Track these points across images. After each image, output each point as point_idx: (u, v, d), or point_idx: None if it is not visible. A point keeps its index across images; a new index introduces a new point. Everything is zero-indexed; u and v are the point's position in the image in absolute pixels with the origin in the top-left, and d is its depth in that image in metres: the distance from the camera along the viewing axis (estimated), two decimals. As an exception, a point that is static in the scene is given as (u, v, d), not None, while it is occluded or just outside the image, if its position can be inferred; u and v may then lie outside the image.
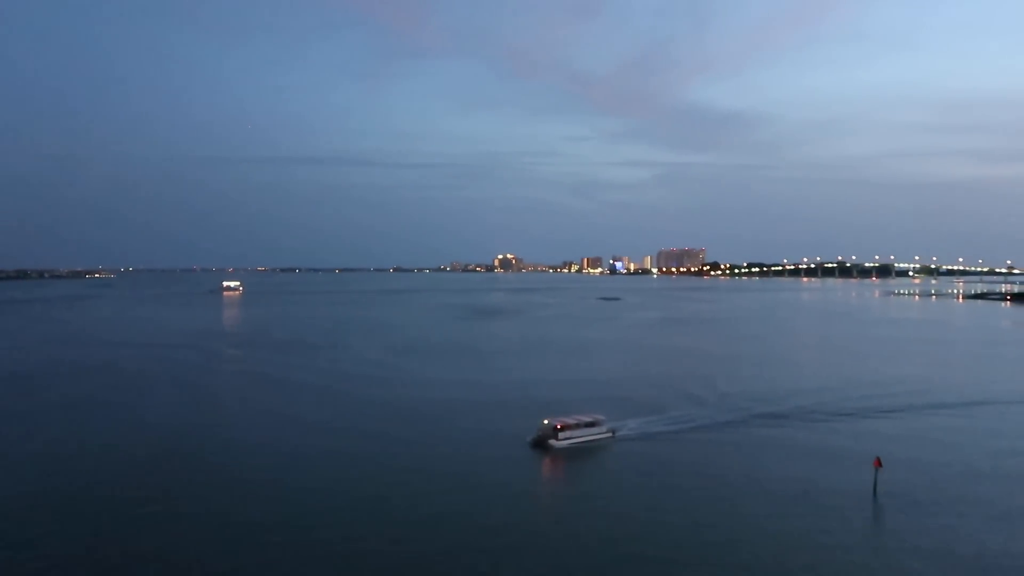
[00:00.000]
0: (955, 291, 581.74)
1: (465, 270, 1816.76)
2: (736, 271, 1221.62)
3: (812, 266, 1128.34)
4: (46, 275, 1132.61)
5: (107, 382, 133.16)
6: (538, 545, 56.24)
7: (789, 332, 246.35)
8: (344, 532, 58.38)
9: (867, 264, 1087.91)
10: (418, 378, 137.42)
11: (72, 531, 58.79)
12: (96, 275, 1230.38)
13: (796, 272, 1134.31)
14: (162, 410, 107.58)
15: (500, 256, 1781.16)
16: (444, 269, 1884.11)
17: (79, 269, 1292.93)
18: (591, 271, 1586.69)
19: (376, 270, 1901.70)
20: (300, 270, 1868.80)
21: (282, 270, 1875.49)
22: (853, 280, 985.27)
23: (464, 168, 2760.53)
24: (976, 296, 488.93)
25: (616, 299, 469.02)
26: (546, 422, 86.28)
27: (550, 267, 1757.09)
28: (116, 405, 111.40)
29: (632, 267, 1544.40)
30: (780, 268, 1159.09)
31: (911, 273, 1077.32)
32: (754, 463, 79.00)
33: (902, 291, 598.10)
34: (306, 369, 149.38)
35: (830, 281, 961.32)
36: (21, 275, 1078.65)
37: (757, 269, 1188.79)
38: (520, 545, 56.18)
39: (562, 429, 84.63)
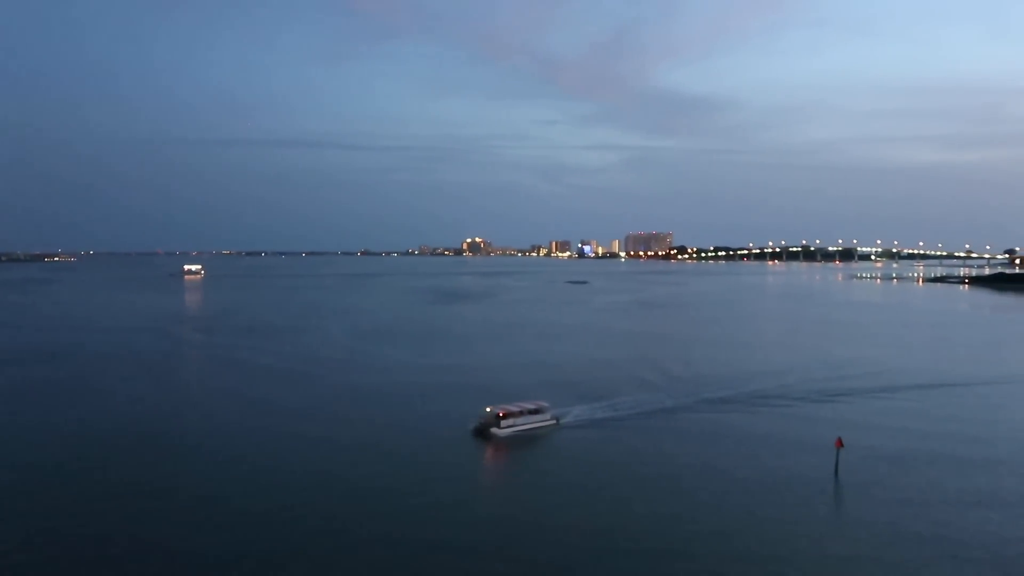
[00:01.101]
0: (915, 275, 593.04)
1: (433, 254, 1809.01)
2: (703, 255, 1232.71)
3: (777, 250, 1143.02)
4: (2, 258, 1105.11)
5: (69, 366, 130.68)
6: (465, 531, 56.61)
7: (753, 315, 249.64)
8: (295, 506, 58.26)
9: (831, 248, 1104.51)
10: (382, 362, 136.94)
11: (38, 511, 57.65)
12: (55, 259, 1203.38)
13: (762, 256, 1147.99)
14: (127, 394, 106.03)
15: (469, 240, 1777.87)
16: (412, 253, 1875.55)
17: (37, 252, 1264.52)
18: (559, 255, 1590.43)
19: (343, 254, 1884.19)
20: (266, 253, 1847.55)
21: (247, 253, 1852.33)
22: (817, 264, 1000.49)
23: (433, 151, 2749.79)
24: (936, 279, 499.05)
25: (584, 283, 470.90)
26: (488, 409, 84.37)
27: (519, 251, 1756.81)
28: (79, 389, 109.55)
29: (600, 251, 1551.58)
30: (746, 252, 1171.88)
31: (873, 257, 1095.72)
32: (709, 447, 79.60)
33: (864, 274, 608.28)
34: (271, 353, 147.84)
35: (795, 265, 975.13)
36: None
37: (723, 253, 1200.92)
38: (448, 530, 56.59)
39: (504, 417, 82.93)
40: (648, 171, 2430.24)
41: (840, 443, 72.76)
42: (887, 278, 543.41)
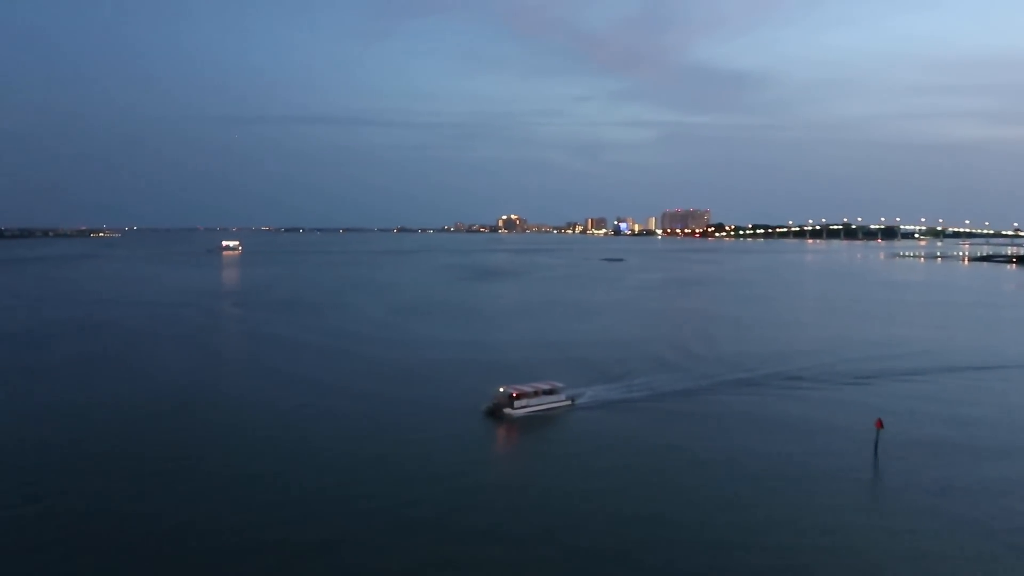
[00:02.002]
0: (961, 253, 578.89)
1: (469, 231, 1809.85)
2: (741, 232, 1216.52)
3: (817, 228, 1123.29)
4: (50, 234, 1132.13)
5: (112, 340, 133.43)
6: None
7: (791, 294, 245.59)
8: (325, 484, 58.74)
9: (872, 226, 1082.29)
10: (413, 338, 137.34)
11: (78, 483, 59.02)
12: (101, 234, 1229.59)
13: (801, 234, 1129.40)
14: (166, 368, 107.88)
15: (504, 217, 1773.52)
16: (448, 229, 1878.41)
17: (84, 228, 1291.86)
18: (595, 232, 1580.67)
19: (380, 230, 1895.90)
20: (304, 230, 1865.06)
21: (286, 230, 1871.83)
22: (858, 242, 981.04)
23: (468, 128, 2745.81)
24: (982, 259, 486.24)
25: (619, 260, 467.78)
26: (501, 390, 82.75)
27: (554, 228, 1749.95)
28: (121, 362, 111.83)
29: (636, 228, 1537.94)
30: (785, 230, 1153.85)
31: (917, 235, 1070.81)
32: (738, 429, 77.87)
33: (907, 253, 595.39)
34: (307, 328, 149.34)
35: (835, 243, 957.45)
36: (26, 234, 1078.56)
37: (762, 231, 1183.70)
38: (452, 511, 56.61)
39: (518, 397, 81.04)
40: (685, 147, 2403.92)
41: (880, 424, 71.32)
42: (931, 257, 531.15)
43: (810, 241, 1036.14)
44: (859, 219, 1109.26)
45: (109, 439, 72.38)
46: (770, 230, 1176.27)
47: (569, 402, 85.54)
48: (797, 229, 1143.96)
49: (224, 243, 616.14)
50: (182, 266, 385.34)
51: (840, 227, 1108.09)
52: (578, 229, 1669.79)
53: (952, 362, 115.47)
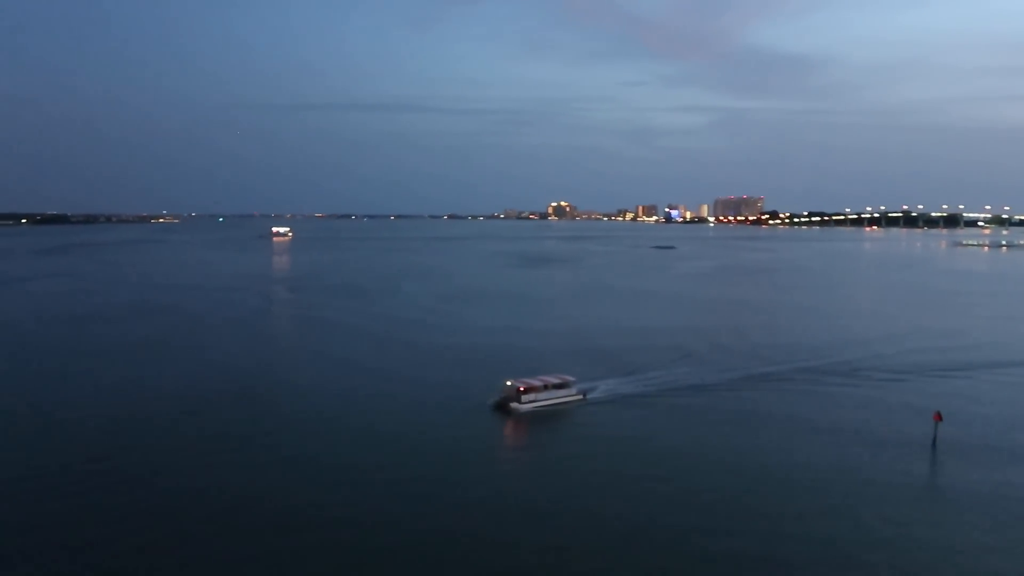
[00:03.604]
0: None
1: (519, 217, 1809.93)
2: (796, 220, 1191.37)
3: (876, 215, 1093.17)
4: (113, 219, 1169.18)
5: (171, 323, 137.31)
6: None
7: (846, 283, 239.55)
8: (374, 465, 59.50)
9: (934, 214, 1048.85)
10: (457, 325, 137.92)
11: (140, 459, 60.95)
12: (160, 220, 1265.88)
13: (859, 222, 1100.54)
14: (223, 351, 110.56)
15: (554, 204, 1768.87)
16: (497, 216, 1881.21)
17: (144, 214, 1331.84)
18: (646, 219, 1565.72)
19: (430, 217, 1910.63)
20: (356, 216, 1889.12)
21: (339, 216, 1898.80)
22: (919, 230, 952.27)
23: (518, 115, 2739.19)
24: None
25: (671, 248, 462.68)
26: (509, 383, 79.82)
27: (604, 215, 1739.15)
28: (180, 345, 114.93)
29: (688, 215, 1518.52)
30: (842, 217, 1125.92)
31: (981, 223, 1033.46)
32: (773, 423, 75.99)
33: (970, 242, 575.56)
34: (358, 313, 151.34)
35: (894, 231, 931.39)
36: (90, 219, 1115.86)
37: (818, 218, 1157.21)
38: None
39: (525, 392, 78.25)
40: (738, 133, 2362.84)
41: (939, 417, 69.17)
42: (995, 246, 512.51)
43: (868, 229, 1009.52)
44: (920, 206, 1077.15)
45: (169, 416, 74.49)
46: (826, 217, 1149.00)
47: (580, 396, 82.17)
48: (855, 217, 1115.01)
49: (275, 229, 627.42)
50: (236, 251, 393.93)
51: (900, 214, 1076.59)
52: (628, 216, 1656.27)
53: (1017, 356, 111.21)
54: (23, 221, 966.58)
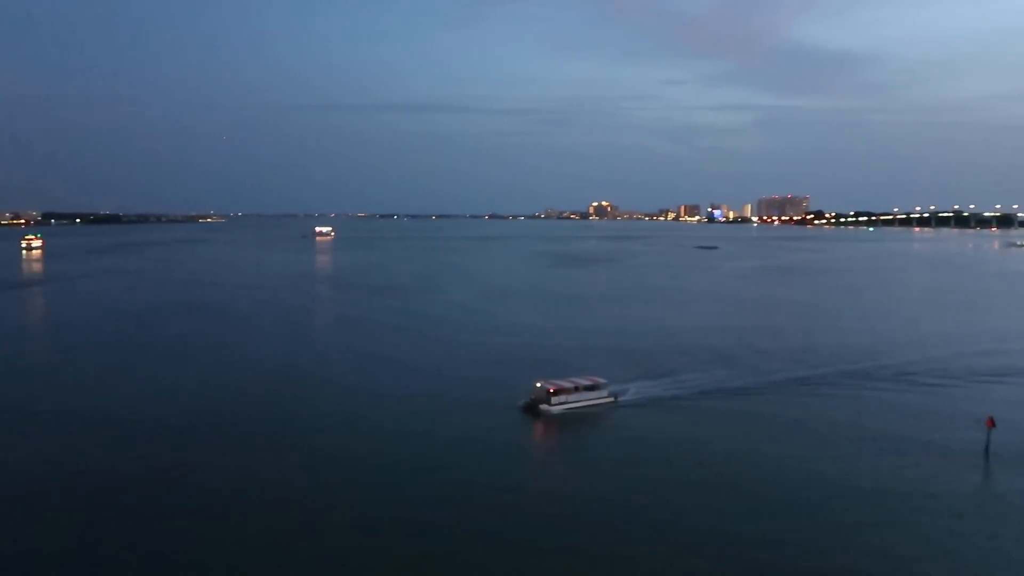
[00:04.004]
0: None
1: (559, 217, 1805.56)
2: (842, 220, 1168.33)
3: (926, 215, 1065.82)
4: (163, 219, 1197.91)
5: (219, 321, 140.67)
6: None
7: (896, 285, 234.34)
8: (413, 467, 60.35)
9: (986, 213, 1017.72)
10: (495, 324, 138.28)
11: (192, 456, 62.79)
12: (208, 219, 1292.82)
13: (908, 221, 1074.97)
14: (268, 350, 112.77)
15: (595, 203, 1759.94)
16: (538, 216, 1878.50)
17: (192, 214, 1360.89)
18: (688, 219, 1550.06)
19: (471, 216, 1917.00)
20: (398, 216, 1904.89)
21: (381, 216, 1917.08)
22: (970, 230, 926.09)
23: (559, 114, 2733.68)
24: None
25: (713, 248, 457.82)
26: (539, 385, 79.13)
27: (646, 215, 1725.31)
28: (227, 343, 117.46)
29: (731, 215, 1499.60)
30: (890, 217, 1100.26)
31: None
32: (812, 429, 74.36)
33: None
34: (398, 312, 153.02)
35: (945, 231, 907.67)
36: (141, 219, 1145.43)
37: (865, 218, 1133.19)
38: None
39: (555, 393, 77.52)
40: (782, 132, 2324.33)
41: (992, 423, 67.59)
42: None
43: (917, 229, 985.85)
44: (972, 206, 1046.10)
45: (213, 416, 76.41)
46: (873, 217, 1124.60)
47: (612, 399, 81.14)
48: (903, 216, 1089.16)
49: (317, 229, 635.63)
50: (280, 251, 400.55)
51: (950, 214, 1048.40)
52: (670, 216, 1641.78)
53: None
54: (77, 221, 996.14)
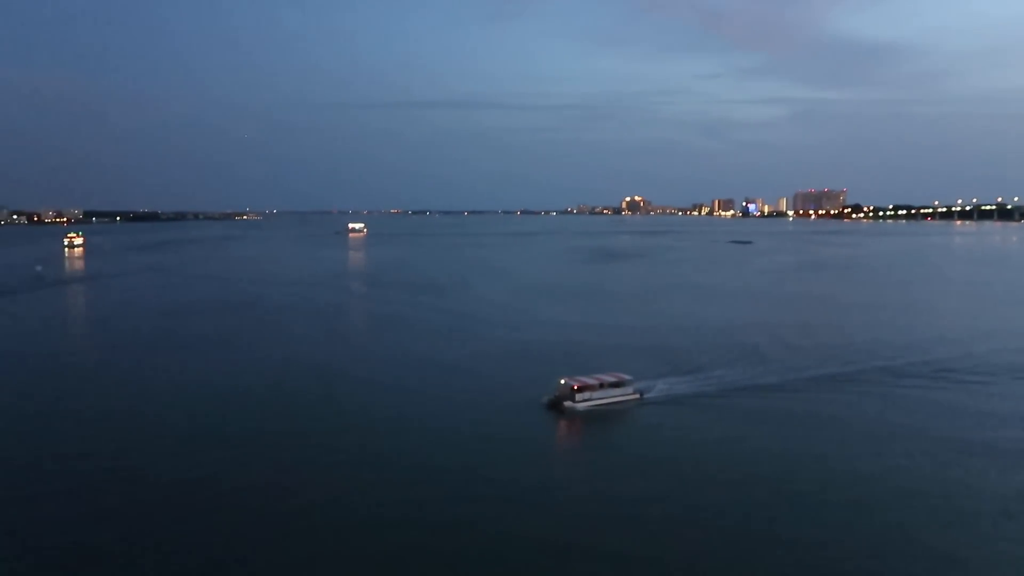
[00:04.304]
0: None
1: (592, 213, 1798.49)
2: (880, 214, 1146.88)
3: (967, 208, 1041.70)
4: (200, 216, 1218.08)
5: (255, 317, 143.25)
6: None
7: (936, 280, 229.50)
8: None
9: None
10: (526, 320, 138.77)
11: (224, 452, 64.04)
12: (244, 217, 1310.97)
13: (948, 215, 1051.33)
14: (301, 345, 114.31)
15: (628, 199, 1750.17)
16: (571, 212, 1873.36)
17: (229, 211, 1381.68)
18: (722, 214, 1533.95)
19: (503, 212, 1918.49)
20: (431, 212, 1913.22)
21: (414, 212, 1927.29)
22: (1014, 223, 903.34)
23: (591, 109, 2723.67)
24: None
25: (748, 243, 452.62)
26: (563, 382, 78.62)
27: (679, 210, 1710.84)
28: (262, 340, 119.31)
29: (766, 209, 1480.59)
30: (930, 211, 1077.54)
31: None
32: (843, 431, 72.70)
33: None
34: (429, 308, 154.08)
35: (988, 224, 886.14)
36: (179, 217, 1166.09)
37: (904, 212, 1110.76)
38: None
39: (579, 390, 76.91)
40: (819, 125, 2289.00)
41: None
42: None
43: (958, 223, 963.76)
44: (1016, 199, 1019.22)
45: (249, 411, 77.85)
46: (913, 211, 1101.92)
47: (637, 396, 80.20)
48: (944, 210, 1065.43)
49: (350, 225, 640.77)
50: (314, 247, 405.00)
51: (993, 207, 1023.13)
52: (704, 211, 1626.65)
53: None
54: (117, 219, 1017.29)
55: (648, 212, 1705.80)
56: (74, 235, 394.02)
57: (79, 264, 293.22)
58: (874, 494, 54.99)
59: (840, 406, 78.85)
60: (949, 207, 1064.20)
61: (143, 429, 71.14)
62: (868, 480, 57.81)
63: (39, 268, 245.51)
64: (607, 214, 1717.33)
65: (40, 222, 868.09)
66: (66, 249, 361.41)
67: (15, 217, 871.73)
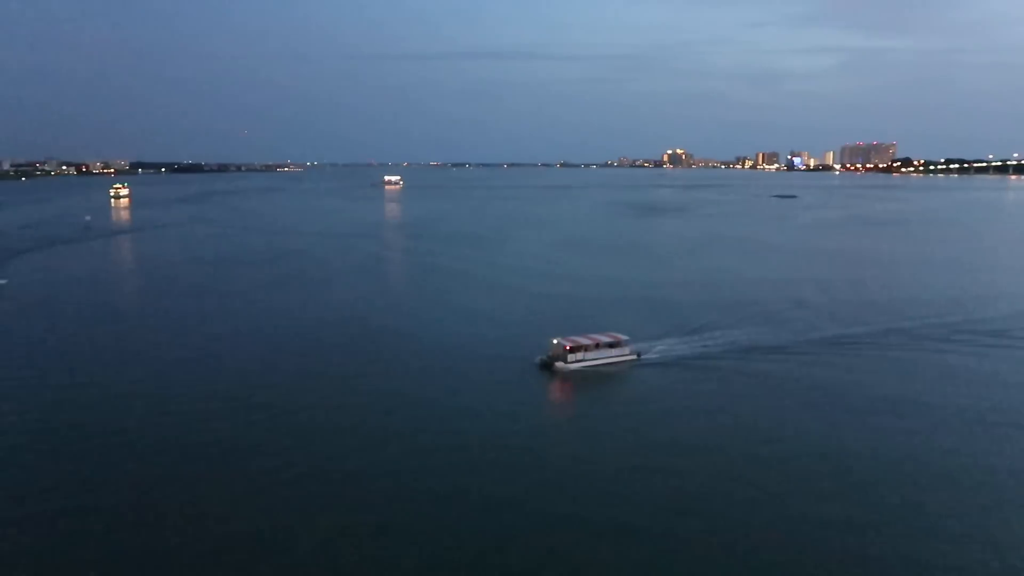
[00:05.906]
0: None
1: (633, 165, 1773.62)
2: (931, 168, 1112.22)
3: (1023, 163, 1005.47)
4: (243, 168, 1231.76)
5: (299, 267, 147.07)
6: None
7: (984, 236, 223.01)
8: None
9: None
10: (561, 273, 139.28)
11: (273, 394, 66.78)
12: (286, 168, 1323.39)
13: (1003, 169, 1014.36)
14: (347, 294, 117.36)
15: (669, 151, 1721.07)
16: (611, 164, 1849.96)
17: (270, 163, 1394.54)
18: (766, 167, 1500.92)
19: (543, 165, 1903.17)
20: (470, 165, 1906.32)
21: (453, 165, 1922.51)
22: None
23: (633, 60, 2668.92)
24: None
25: (792, 197, 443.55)
26: (556, 341, 75.86)
27: (722, 163, 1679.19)
28: (307, 289, 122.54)
29: (812, 163, 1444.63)
30: (984, 165, 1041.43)
31: None
32: (840, 394, 69.82)
33: None
34: (472, 261, 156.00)
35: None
36: (222, 168, 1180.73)
37: (956, 165, 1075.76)
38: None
39: (572, 350, 74.60)
40: (869, 75, 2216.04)
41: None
42: None
43: (1014, 177, 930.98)
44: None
45: (298, 358, 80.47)
46: (966, 165, 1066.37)
47: (634, 356, 77.51)
48: (999, 164, 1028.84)
49: (386, 178, 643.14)
50: (351, 200, 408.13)
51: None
52: (748, 164, 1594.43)
53: None
54: (162, 170, 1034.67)
55: (690, 165, 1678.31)
56: (120, 186, 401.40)
57: (125, 215, 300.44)
58: (888, 470, 52.06)
59: (848, 372, 74.46)
60: (1004, 161, 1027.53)
61: (196, 370, 74.38)
62: (889, 453, 54.99)
63: (88, 218, 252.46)
64: (647, 167, 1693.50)
65: (88, 172, 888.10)
66: (112, 200, 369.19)
67: (64, 168, 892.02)
